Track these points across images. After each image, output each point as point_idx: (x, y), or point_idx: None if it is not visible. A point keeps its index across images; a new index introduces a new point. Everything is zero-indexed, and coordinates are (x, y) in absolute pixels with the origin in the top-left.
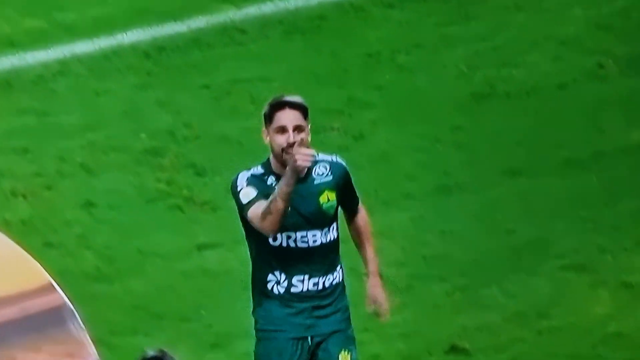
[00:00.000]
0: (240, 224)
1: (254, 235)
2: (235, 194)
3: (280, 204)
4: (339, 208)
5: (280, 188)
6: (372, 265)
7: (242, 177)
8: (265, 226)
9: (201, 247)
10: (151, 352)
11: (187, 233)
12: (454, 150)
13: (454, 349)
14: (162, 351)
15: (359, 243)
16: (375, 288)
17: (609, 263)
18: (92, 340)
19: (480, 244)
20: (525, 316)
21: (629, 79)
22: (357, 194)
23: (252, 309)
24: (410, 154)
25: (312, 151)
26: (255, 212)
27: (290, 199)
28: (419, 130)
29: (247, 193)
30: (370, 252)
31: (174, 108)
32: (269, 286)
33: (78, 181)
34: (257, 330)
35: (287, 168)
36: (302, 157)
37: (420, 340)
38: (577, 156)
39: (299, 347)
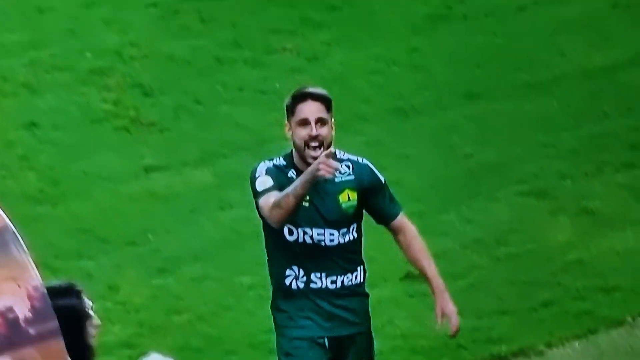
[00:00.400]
0: (257, 212)
1: (271, 228)
2: (252, 181)
3: (291, 201)
4: (372, 216)
5: (295, 187)
6: (437, 282)
7: (263, 166)
8: (272, 217)
9: (148, 169)
10: (55, 283)
11: (133, 155)
12: (410, 73)
13: (409, 276)
14: (69, 284)
15: (416, 261)
16: (446, 304)
17: (569, 189)
18: (35, 264)
19: (437, 169)
20: (483, 243)
21: (590, 0)
22: (396, 202)
23: (270, 304)
24: (365, 76)
25: (337, 165)
26: (266, 201)
27: (310, 196)
28: (374, 51)
29: (264, 181)
30: (431, 269)
31: (120, 26)
32: (287, 281)
33: (21, 101)
34: (276, 326)
35: (307, 169)
36: (326, 168)
37: (375, 266)
38: (536, 79)
39: (317, 346)
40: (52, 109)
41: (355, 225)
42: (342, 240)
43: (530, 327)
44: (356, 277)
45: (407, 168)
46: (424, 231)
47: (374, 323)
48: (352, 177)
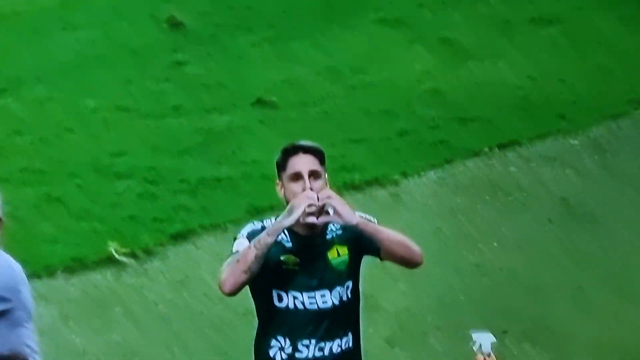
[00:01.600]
0: None
1: (259, 295)
2: (233, 240)
3: (251, 254)
4: (361, 259)
5: (259, 237)
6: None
7: (248, 228)
8: (222, 278)
9: None
10: None
11: None
12: None
13: (260, 102)
14: None
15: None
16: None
17: (427, 18)
18: None
19: None
20: (338, 71)
21: None
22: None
23: None
24: None
25: (313, 195)
26: (226, 261)
27: (300, 259)
28: None
29: (240, 243)
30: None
31: None
32: (271, 353)
33: None
34: None
35: (283, 215)
36: (303, 199)
37: (224, 92)
38: None
39: None
40: None
41: (350, 285)
42: (336, 302)
43: (385, 156)
44: (346, 342)
45: None
46: (275, 58)
47: (224, 150)
48: (341, 231)
